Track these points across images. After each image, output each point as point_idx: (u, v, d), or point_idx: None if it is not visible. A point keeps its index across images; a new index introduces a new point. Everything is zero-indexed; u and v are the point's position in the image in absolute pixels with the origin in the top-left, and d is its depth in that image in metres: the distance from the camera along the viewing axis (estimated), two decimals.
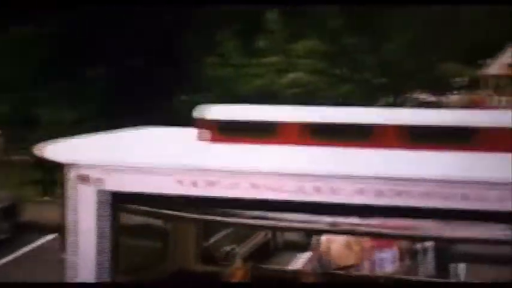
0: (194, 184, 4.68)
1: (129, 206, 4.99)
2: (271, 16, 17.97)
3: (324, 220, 4.61)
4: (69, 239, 5.12)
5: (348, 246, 8.48)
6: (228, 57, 22.19)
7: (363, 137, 4.89)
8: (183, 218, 5.25)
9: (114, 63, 17.26)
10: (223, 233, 10.97)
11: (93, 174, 4.91)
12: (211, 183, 4.66)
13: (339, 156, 4.83)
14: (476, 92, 52.43)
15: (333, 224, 4.63)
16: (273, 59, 27.79)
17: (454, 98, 45.47)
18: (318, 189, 4.53)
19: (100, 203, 4.92)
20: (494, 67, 59.92)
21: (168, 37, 17.15)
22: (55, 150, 5.46)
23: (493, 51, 76.89)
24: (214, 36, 18.13)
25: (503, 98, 46.85)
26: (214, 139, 5.13)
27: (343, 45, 18.04)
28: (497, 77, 59.43)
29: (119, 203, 4.92)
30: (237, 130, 5.09)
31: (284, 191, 4.56)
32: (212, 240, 10.47)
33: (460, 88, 51.94)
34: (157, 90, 19.63)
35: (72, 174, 5.00)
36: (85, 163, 4.98)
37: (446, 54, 34.15)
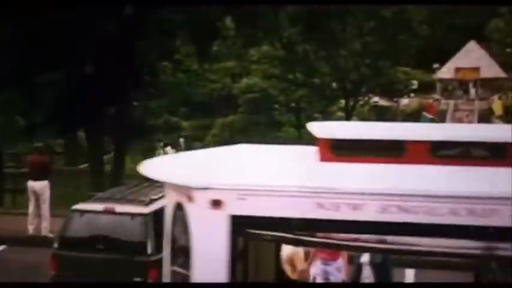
0: (336, 207, 4.45)
1: (260, 231, 4.71)
2: (227, 22, 17.96)
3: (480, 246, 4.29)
4: (196, 264, 4.86)
5: (297, 258, 8.51)
6: (183, 63, 22.13)
7: (498, 155, 4.59)
8: (321, 243, 4.92)
9: (66, 70, 16.97)
10: None
11: (226, 198, 4.64)
12: (355, 206, 4.42)
13: (470, 175, 4.56)
14: (426, 96, 53.44)
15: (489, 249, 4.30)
16: (228, 64, 27.90)
17: (405, 101, 46.23)
18: (472, 212, 4.25)
19: (232, 228, 4.65)
20: (443, 71, 61.34)
21: (121, 43, 16.96)
22: (172, 172, 5.20)
23: (443, 55, 78.82)
24: (169, 42, 18.03)
25: (451, 102, 47.92)
26: (333, 158, 4.85)
27: (296, 52, 18.13)
28: (444, 81, 60.86)
29: (249, 227, 4.68)
30: (359, 149, 4.82)
31: (440, 215, 4.30)
32: None
33: (411, 92, 52.81)
34: (110, 97, 19.39)
35: (199, 198, 4.73)
36: (217, 187, 4.70)
37: (398, 59, 34.75)
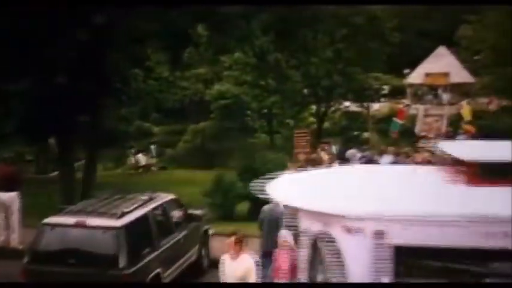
0: (506, 235, 4.27)
1: (424, 261, 4.49)
2: (199, 29, 17.95)
3: None
4: None
5: None
6: (154, 70, 22.04)
7: None
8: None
9: (37, 79, 16.77)
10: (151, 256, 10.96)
11: (389, 229, 4.43)
12: None
13: None
14: (397, 101, 53.89)
15: None
16: (200, 70, 27.86)
17: (376, 106, 46.52)
18: None
19: (396, 259, 4.43)
20: (413, 76, 62.04)
21: (92, 51, 16.83)
22: (313, 200, 4.96)
23: (414, 60, 79.79)
24: (140, 50, 17.94)
25: (421, 107, 48.37)
26: (483, 182, 4.64)
27: (268, 61, 18.22)
28: (414, 86, 61.58)
29: (413, 258, 4.47)
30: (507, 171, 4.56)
31: None
32: (139, 264, 10.46)
33: (382, 97, 53.31)
34: (81, 105, 19.21)
35: (359, 229, 4.53)
36: (379, 217, 4.50)
37: (369, 65, 35.10)
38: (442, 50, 64.03)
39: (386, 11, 36.92)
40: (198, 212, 14.03)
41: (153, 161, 35.69)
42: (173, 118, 46.38)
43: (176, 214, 12.87)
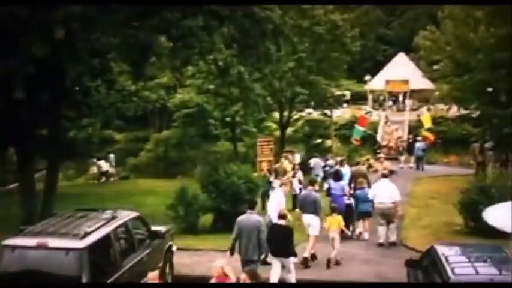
0: None
1: None
2: (161, 41, 17.90)
3: None
4: None
5: None
6: (116, 81, 21.88)
7: None
8: None
9: None
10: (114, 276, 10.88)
11: None
12: None
13: None
14: (358, 107, 54.63)
15: None
16: (163, 79, 27.75)
17: (338, 113, 46.80)
18: None
19: None
20: (373, 83, 62.93)
21: (53, 64, 16.64)
22: None
23: (375, 66, 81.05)
24: (101, 63, 17.82)
25: (382, 114, 49.09)
26: None
27: (231, 74, 18.27)
28: (375, 92, 62.48)
29: None
30: None
31: None
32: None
33: (344, 103, 53.74)
34: (41, 116, 18.98)
35: None
36: None
37: (331, 73, 35.44)
38: (401, 57, 65.28)
39: (348, 20, 37.47)
40: (161, 228, 13.96)
41: (114, 170, 35.33)
42: (135, 124, 46.11)
43: (139, 232, 12.79)
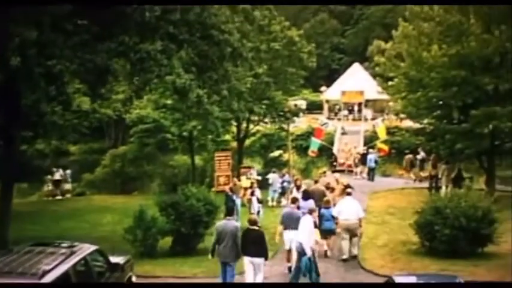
0: None
1: None
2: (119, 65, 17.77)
3: None
4: None
5: None
6: (73, 102, 21.57)
7: None
8: None
9: None
10: None
11: None
12: None
13: None
14: (314, 117, 55.07)
15: None
16: (119, 96, 27.47)
17: (294, 124, 47.03)
18: None
19: None
20: (329, 93, 63.70)
21: (7, 88, 16.37)
22: None
23: (331, 75, 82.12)
24: (57, 87, 17.54)
25: (339, 125, 49.67)
26: None
27: (190, 98, 18.23)
28: (331, 101, 63.19)
29: None
30: None
31: None
32: None
33: (300, 112, 54.18)
34: None
35: None
36: None
37: (288, 86, 35.70)
38: (356, 67, 66.30)
39: (304, 34, 37.91)
40: (120, 258, 13.83)
41: (70, 186, 34.74)
42: (90, 136, 45.51)
43: (98, 265, 12.63)
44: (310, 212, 15.86)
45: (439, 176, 29.78)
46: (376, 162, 36.72)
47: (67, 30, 16.64)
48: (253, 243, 13.96)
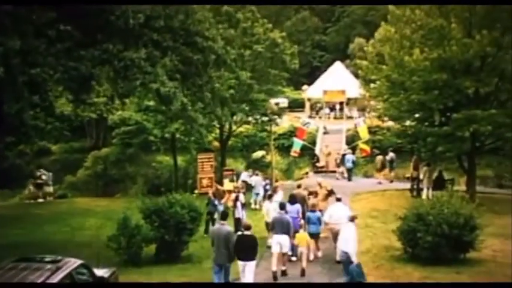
0: None
1: None
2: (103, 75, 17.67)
3: None
4: None
5: None
6: (55, 109, 21.41)
7: None
8: None
9: None
10: None
11: None
12: None
13: None
14: (296, 115, 55.15)
15: None
16: (101, 100, 27.31)
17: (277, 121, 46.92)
18: None
19: None
20: (311, 92, 63.78)
21: None
22: None
23: (311, 73, 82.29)
24: (41, 96, 17.39)
25: (321, 125, 49.74)
26: None
27: (174, 106, 18.17)
28: (313, 99, 63.28)
29: None
30: None
31: None
32: None
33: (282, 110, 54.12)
34: None
35: None
36: None
37: (271, 88, 35.70)
38: (338, 66, 66.45)
39: (286, 33, 37.99)
40: (105, 271, 13.82)
41: (52, 188, 34.42)
42: (71, 135, 45.17)
43: (83, 279, 12.60)
44: (352, 219, 16.20)
45: (421, 177, 30.11)
46: (353, 162, 37.47)
47: (50, 36, 16.51)
48: (248, 247, 14.77)
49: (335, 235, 18.30)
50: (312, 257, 18.61)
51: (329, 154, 40.55)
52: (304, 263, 17.14)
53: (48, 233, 24.88)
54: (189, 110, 18.22)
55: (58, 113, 22.42)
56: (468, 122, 25.39)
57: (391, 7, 28.84)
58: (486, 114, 25.24)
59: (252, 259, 14.91)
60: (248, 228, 15.13)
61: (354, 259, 15.12)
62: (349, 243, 15.37)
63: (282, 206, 17.97)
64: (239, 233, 15.94)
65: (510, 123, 25.73)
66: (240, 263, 14.91)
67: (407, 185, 31.75)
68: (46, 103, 18.83)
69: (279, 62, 34.08)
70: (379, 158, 37.54)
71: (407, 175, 33.30)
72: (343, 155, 38.66)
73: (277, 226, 17.04)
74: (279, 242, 16.75)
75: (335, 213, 18.64)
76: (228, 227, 15.33)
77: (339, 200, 19.54)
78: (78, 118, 26.24)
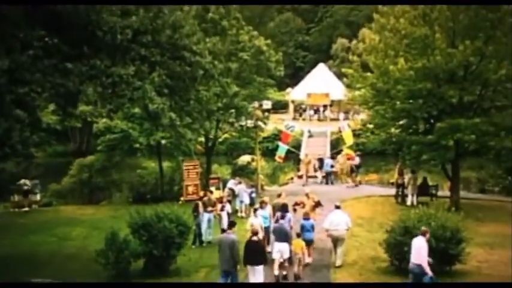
0: None
1: None
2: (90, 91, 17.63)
3: None
4: None
5: None
6: (42, 121, 21.30)
7: None
8: None
9: None
10: None
11: None
12: None
13: None
14: (280, 117, 55.38)
15: None
16: (86, 108, 27.22)
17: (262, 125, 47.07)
18: None
19: None
20: (295, 94, 64.10)
21: None
22: None
23: (295, 73, 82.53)
24: (29, 112, 17.29)
25: (305, 128, 49.99)
26: None
27: (162, 121, 18.18)
28: (296, 101, 63.60)
29: None
30: None
31: None
32: None
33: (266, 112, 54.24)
34: None
35: None
36: None
37: (256, 95, 35.80)
38: (321, 68, 66.77)
39: (269, 34, 38.16)
40: None
41: (38, 197, 34.13)
42: (54, 138, 44.91)
43: None
44: (423, 233, 16.26)
45: (405, 184, 30.44)
46: (332, 166, 38.10)
47: (36, 50, 16.43)
48: (256, 252, 16.03)
49: (334, 241, 19.73)
50: (309, 260, 19.70)
51: (309, 162, 40.83)
52: (300, 268, 18.36)
53: (34, 244, 24.68)
54: (177, 125, 18.22)
55: (44, 125, 22.28)
56: (452, 131, 25.72)
57: (375, 16, 29.07)
58: (470, 123, 25.58)
59: (259, 263, 16.01)
60: (256, 233, 16.44)
61: (429, 271, 15.42)
62: (420, 255, 15.63)
63: (282, 216, 19.54)
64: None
65: (493, 131, 26.14)
66: (248, 267, 16.14)
67: (392, 191, 32.07)
68: (33, 118, 18.72)
69: (264, 70, 34.22)
70: (348, 162, 38.55)
71: (392, 180, 33.66)
72: (321, 159, 39.46)
73: (277, 235, 18.40)
74: (280, 250, 17.96)
75: (334, 220, 19.74)
76: (233, 235, 16.25)
77: (338, 207, 20.49)
78: (64, 126, 26.05)
